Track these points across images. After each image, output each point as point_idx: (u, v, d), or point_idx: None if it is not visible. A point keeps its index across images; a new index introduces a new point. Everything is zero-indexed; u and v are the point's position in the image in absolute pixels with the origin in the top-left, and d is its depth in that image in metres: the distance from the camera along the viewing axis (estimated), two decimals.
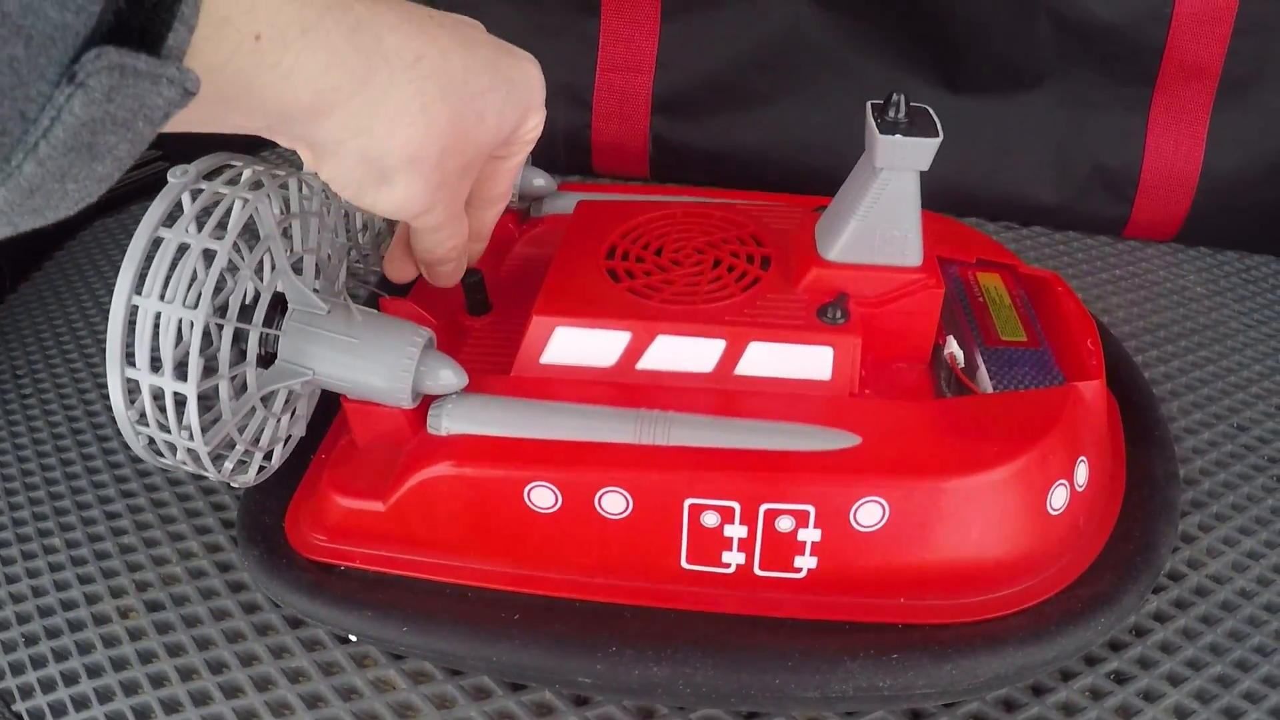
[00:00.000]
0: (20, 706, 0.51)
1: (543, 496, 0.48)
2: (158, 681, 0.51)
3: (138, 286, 0.43)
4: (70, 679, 0.52)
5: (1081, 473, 0.50)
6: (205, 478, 0.59)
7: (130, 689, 0.51)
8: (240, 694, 0.50)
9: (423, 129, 0.43)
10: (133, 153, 0.31)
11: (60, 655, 0.53)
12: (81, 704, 0.50)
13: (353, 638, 0.52)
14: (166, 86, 0.30)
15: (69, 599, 0.56)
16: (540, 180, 0.68)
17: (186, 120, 0.35)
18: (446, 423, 0.49)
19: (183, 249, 0.44)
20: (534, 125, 0.50)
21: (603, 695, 0.50)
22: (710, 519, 0.47)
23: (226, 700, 0.50)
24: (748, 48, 0.87)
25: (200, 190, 0.45)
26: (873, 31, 0.85)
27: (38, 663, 0.53)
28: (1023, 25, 0.81)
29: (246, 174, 0.47)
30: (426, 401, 0.50)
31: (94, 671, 0.52)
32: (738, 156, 0.89)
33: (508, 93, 0.47)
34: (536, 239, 0.62)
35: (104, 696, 0.51)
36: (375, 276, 0.68)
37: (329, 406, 0.55)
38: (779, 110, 0.88)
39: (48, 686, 0.52)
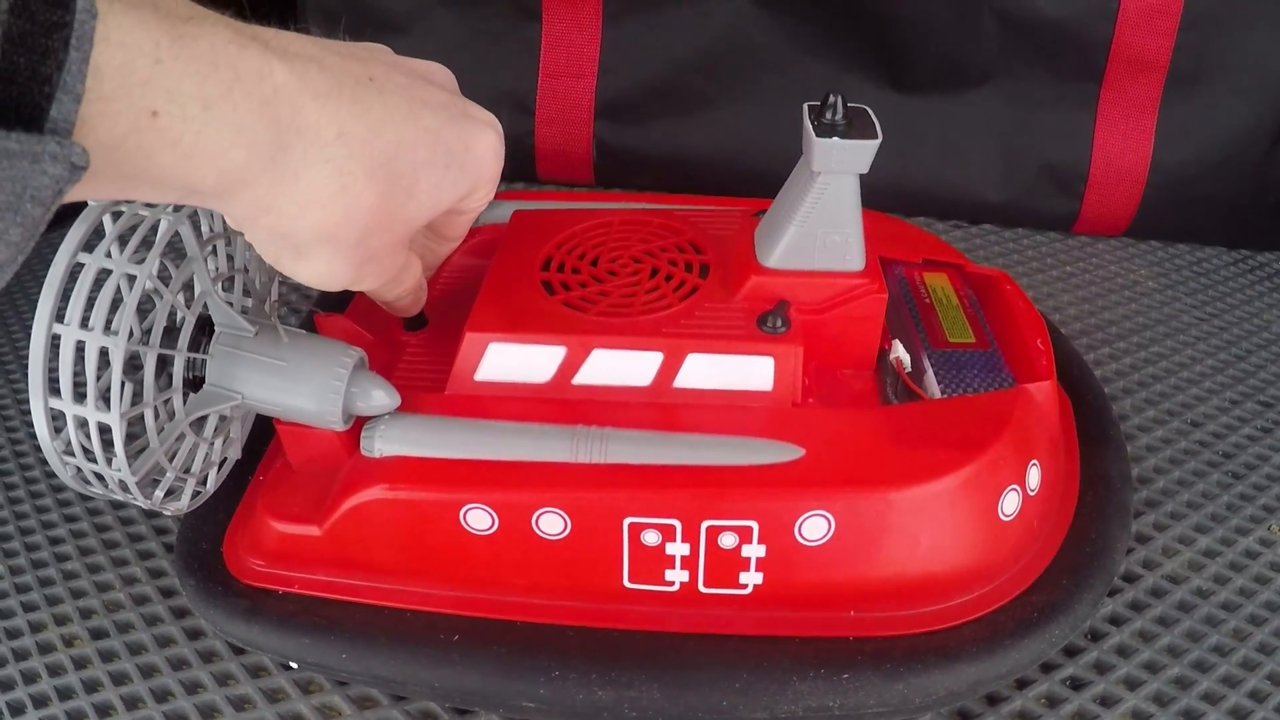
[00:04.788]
0: None
1: (479, 519, 0.47)
2: (103, 711, 0.50)
3: (59, 314, 0.42)
4: (16, 709, 0.51)
5: (1034, 476, 0.49)
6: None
7: (75, 718, 0.50)
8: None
9: (338, 212, 0.40)
10: (28, 235, 0.30)
11: (5, 685, 0.52)
12: None
13: (293, 664, 0.51)
14: (50, 164, 0.28)
15: (14, 627, 0.54)
16: None
17: (91, 195, 0.34)
18: (379, 444, 0.48)
19: (104, 274, 0.43)
20: (482, 195, 0.47)
21: (548, 719, 0.49)
22: (651, 537, 0.46)
23: None
24: (691, 51, 0.86)
25: (120, 212, 0.44)
26: (816, 32, 0.84)
27: None
28: (967, 23, 0.81)
29: None
30: (360, 423, 0.49)
31: (40, 701, 0.51)
32: (683, 161, 0.88)
33: (447, 166, 0.44)
34: (473, 249, 0.61)
35: None
36: (316, 293, 0.67)
37: (269, 425, 0.53)
38: (723, 113, 0.88)
39: None
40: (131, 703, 0.50)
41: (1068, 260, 0.83)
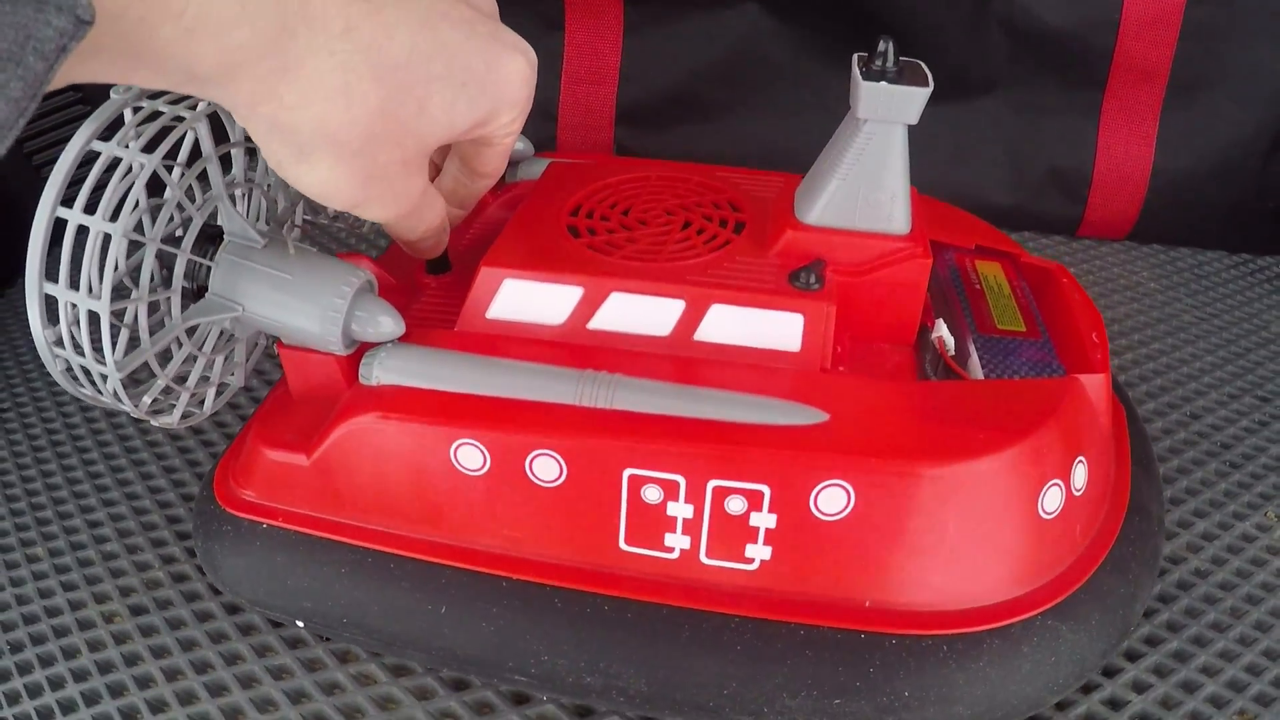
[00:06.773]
0: (7, 712, 0.45)
1: (470, 456, 0.40)
2: (143, 683, 0.45)
3: (64, 200, 0.37)
4: (56, 683, 0.46)
5: (1079, 475, 0.41)
6: (174, 469, 0.57)
7: (116, 691, 0.45)
8: (226, 692, 0.45)
9: (341, 109, 0.35)
10: (29, 92, 0.26)
11: (45, 660, 0.47)
12: (69, 708, 0.45)
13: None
14: (54, 14, 0.25)
15: (53, 605, 0.50)
16: (518, 144, 0.60)
17: (94, 75, 0.30)
18: (378, 372, 0.42)
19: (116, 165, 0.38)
20: (507, 122, 0.42)
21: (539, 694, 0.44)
22: (652, 494, 0.40)
23: (212, 699, 0.44)
24: (708, 60, 0.81)
25: (142, 106, 0.39)
26: (830, 43, 0.79)
27: (23, 669, 0.47)
28: (976, 34, 0.76)
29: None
30: (364, 351, 0.43)
31: (80, 675, 0.46)
32: None
33: (465, 84, 0.39)
34: (509, 203, 0.55)
35: (90, 700, 0.45)
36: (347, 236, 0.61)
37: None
38: (740, 121, 0.83)
39: (34, 692, 0.46)
40: (171, 674, 0.46)
41: (1072, 263, 0.78)
